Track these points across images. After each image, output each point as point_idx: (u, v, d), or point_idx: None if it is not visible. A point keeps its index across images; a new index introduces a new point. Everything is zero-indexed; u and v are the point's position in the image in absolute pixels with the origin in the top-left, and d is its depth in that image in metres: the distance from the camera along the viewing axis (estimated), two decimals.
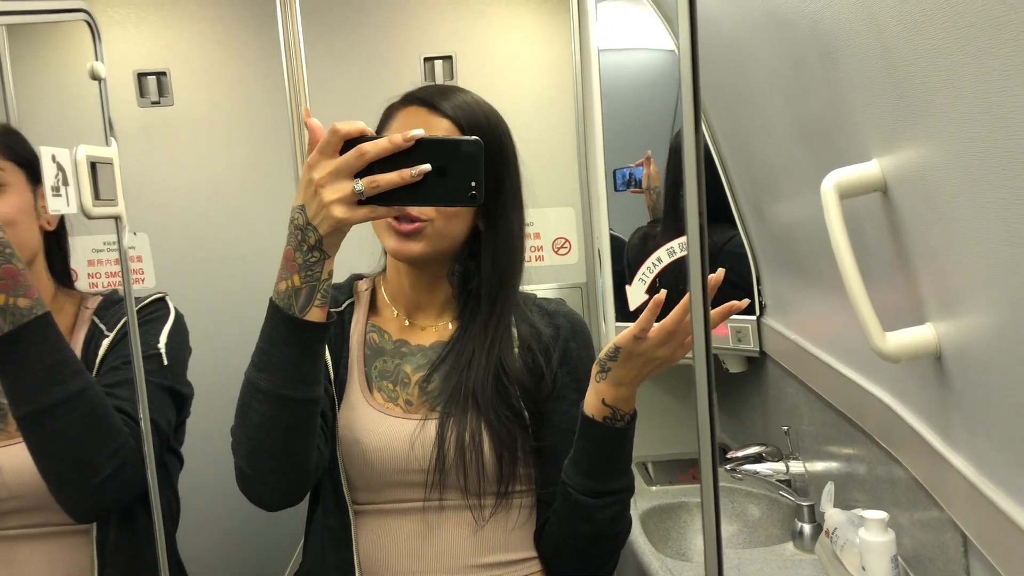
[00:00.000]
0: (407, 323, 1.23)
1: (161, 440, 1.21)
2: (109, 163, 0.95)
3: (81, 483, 1.09)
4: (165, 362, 1.23)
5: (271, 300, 0.98)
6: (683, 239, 2.01)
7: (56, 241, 1.31)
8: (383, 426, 1.14)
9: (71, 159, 0.87)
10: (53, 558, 1.20)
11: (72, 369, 1.08)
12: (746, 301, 1.09)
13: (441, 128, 1.11)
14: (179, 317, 1.33)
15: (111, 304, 1.31)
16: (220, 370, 2.34)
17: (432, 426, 1.12)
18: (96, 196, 0.91)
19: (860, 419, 1.41)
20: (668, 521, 1.90)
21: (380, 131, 1.18)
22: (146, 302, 1.30)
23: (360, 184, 0.90)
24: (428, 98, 1.14)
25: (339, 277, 1.29)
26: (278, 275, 0.98)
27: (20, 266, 1.03)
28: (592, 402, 1.08)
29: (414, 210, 1.09)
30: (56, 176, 0.86)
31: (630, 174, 2.15)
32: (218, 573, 2.41)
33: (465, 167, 0.92)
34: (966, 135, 0.79)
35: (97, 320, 1.28)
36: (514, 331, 1.20)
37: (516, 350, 1.18)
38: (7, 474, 1.15)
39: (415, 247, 1.11)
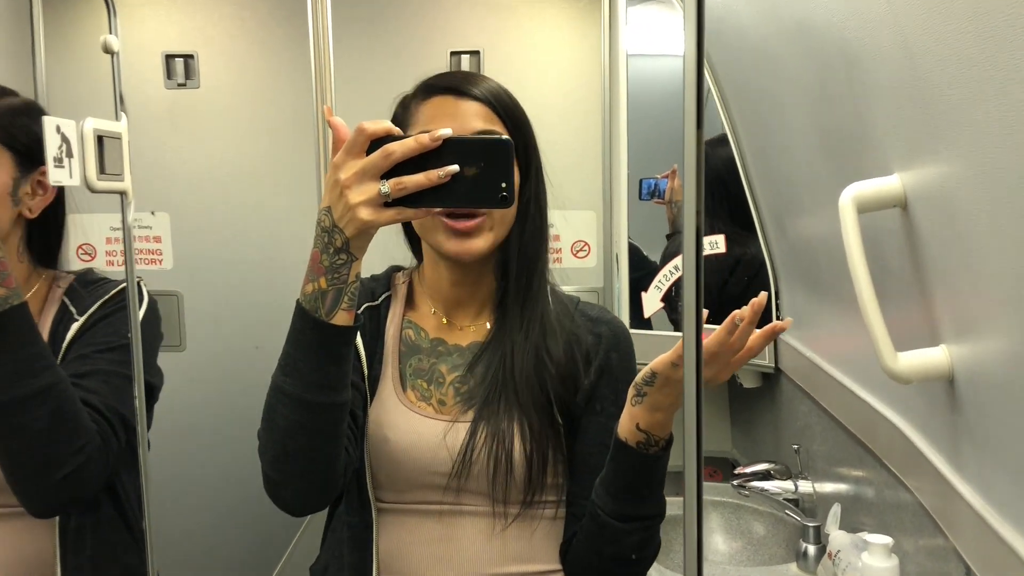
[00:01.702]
0: (445, 321, 1.19)
1: (128, 431, 1.18)
2: (117, 138, 0.94)
3: (40, 479, 1.07)
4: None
5: (297, 302, 0.96)
6: (712, 238, 1.98)
7: (41, 224, 1.27)
8: (414, 425, 1.11)
9: (77, 131, 0.87)
10: (15, 539, 1.19)
11: (44, 364, 1.06)
12: (789, 321, 1.06)
13: (473, 112, 1.08)
14: (152, 304, 1.29)
15: (84, 284, 1.28)
16: (231, 355, 2.35)
17: (463, 428, 1.10)
18: (101, 170, 0.90)
19: (871, 441, 1.38)
20: (671, 532, 1.87)
21: (401, 127, 1.15)
22: (118, 288, 1.26)
23: (386, 186, 0.88)
24: (454, 85, 1.10)
25: (377, 267, 1.27)
26: (305, 277, 0.95)
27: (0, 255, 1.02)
28: (626, 426, 1.03)
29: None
30: (60, 148, 0.85)
31: (655, 185, 2.13)
32: (213, 561, 2.41)
33: (495, 167, 0.89)
34: (989, 153, 0.76)
35: (68, 301, 1.25)
36: (557, 331, 1.16)
37: (555, 354, 1.14)
38: None
39: (477, 244, 1.07)
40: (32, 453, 1.06)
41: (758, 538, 1.84)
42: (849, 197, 0.96)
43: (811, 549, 1.57)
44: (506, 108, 1.10)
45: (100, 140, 0.90)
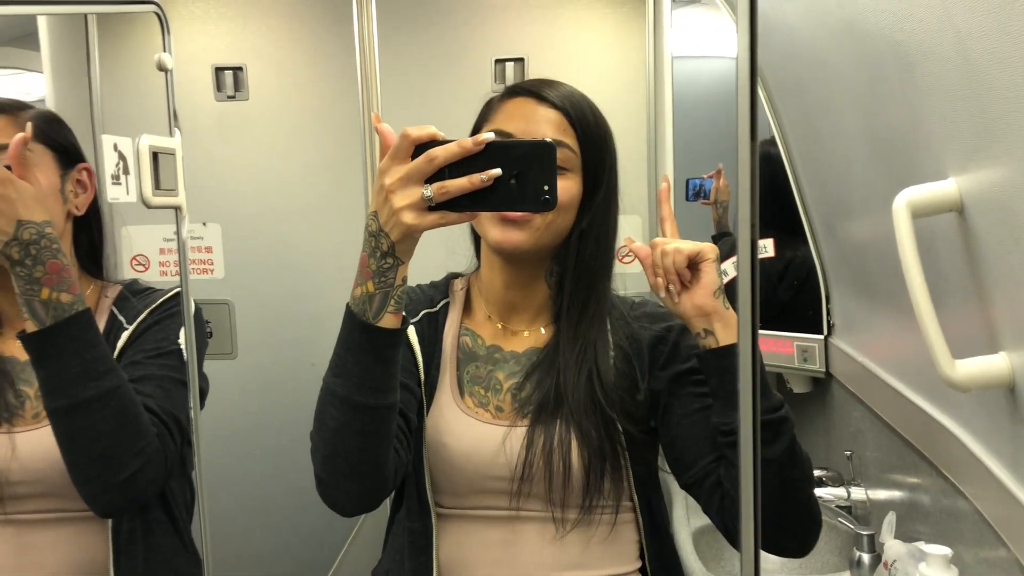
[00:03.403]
0: (501, 327, 1.20)
1: (182, 434, 1.21)
2: (172, 154, 0.96)
3: (106, 479, 1.10)
4: (184, 357, 1.23)
5: (347, 306, 0.97)
6: (761, 242, 1.95)
7: (85, 227, 1.30)
8: (472, 431, 1.12)
9: (133, 148, 0.89)
10: (68, 544, 1.22)
11: (107, 367, 1.09)
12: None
13: (546, 118, 1.09)
14: (197, 311, 1.31)
15: (132, 295, 1.31)
16: (281, 362, 2.38)
17: (521, 433, 1.10)
18: (157, 186, 0.93)
19: (926, 448, 1.35)
20: (722, 541, 1.85)
21: (480, 124, 1.16)
22: (167, 296, 1.29)
23: (429, 190, 0.89)
24: (535, 89, 1.12)
25: (432, 275, 1.29)
26: (354, 281, 0.97)
27: (65, 262, 1.05)
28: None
29: None
30: (117, 164, 0.87)
31: (700, 185, 2.11)
32: (263, 568, 2.45)
33: (538, 171, 0.89)
34: None
35: (116, 311, 1.28)
36: (610, 338, 1.16)
37: (612, 358, 1.14)
38: (24, 458, 1.17)
39: (519, 236, 1.08)
40: (97, 454, 1.09)
41: None
42: (903, 202, 0.94)
43: (865, 558, 1.54)
44: (582, 120, 1.11)
45: (155, 156, 0.92)
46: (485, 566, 1.12)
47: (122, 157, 0.89)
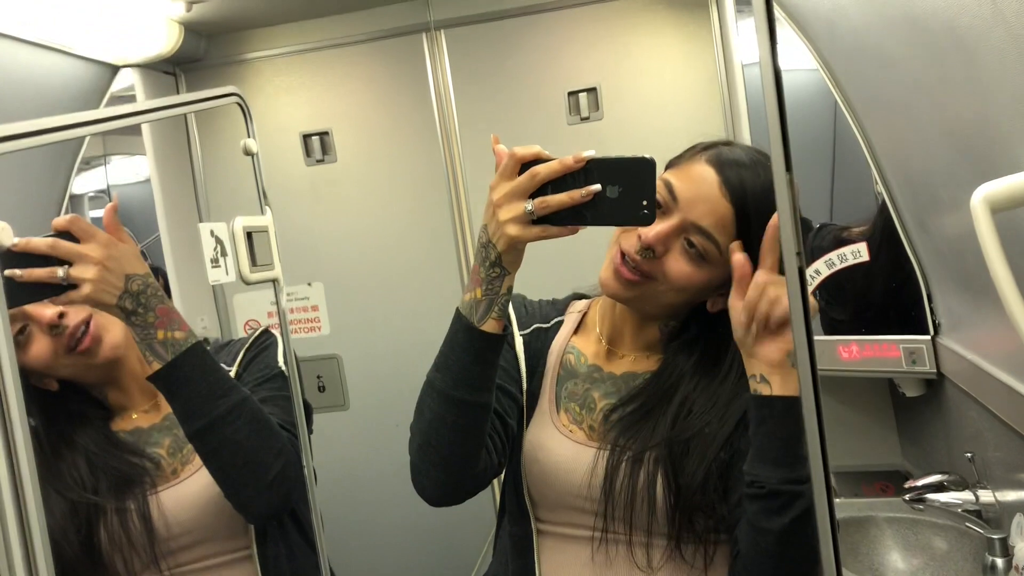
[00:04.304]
0: (606, 347, 1.23)
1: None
2: (265, 231, 1.03)
3: (256, 483, 1.19)
4: (286, 375, 1.34)
5: (457, 308, 1.06)
6: (851, 248, 1.92)
7: None
8: (563, 448, 1.16)
9: (229, 231, 0.96)
10: None
11: (231, 384, 1.19)
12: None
13: (714, 208, 1.05)
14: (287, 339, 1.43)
15: (219, 350, 1.42)
16: (389, 410, 2.45)
17: (608, 456, 1.12)
18: (253, 263, 1.00)
19: None
20: (856, 535, 1.81)
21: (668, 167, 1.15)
22: (256, 335, 1.43)
23: (531, 204, 0.95)
24: (724, 161, 1.07)
25: (560, 292, 1.35)
26: (466, 287, 1.05)
27: (170, 305, 1.16)
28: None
29: (645, 264, 1.07)
30: (215, 248, 0.95)
31: None
32: None
33: (637, 186, 0.93)
34: None
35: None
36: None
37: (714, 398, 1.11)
38: (171, 513, 1.27)
39: (619, 289, 1.11)
40: (242, 462, 1.19)
41: (941, 553, 1.75)
42: (980, 198, 0.92)
43: (999, 562, 1.48)
44: (750, 217, 1.05)
45: (249, 236, 0.99)
46: None
47: (219, 241, 0.97)
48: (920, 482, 1.69)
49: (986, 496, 1.63)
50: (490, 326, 1.03)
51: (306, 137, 2.44)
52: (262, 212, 1.04)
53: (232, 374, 1.36)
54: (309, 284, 2.45)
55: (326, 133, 2.43)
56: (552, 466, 1.15)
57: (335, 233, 2.45)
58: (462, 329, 1.04)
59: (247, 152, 1.03)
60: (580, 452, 1.14)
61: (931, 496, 1.68)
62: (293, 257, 2.41)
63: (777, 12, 1.99)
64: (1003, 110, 0.97)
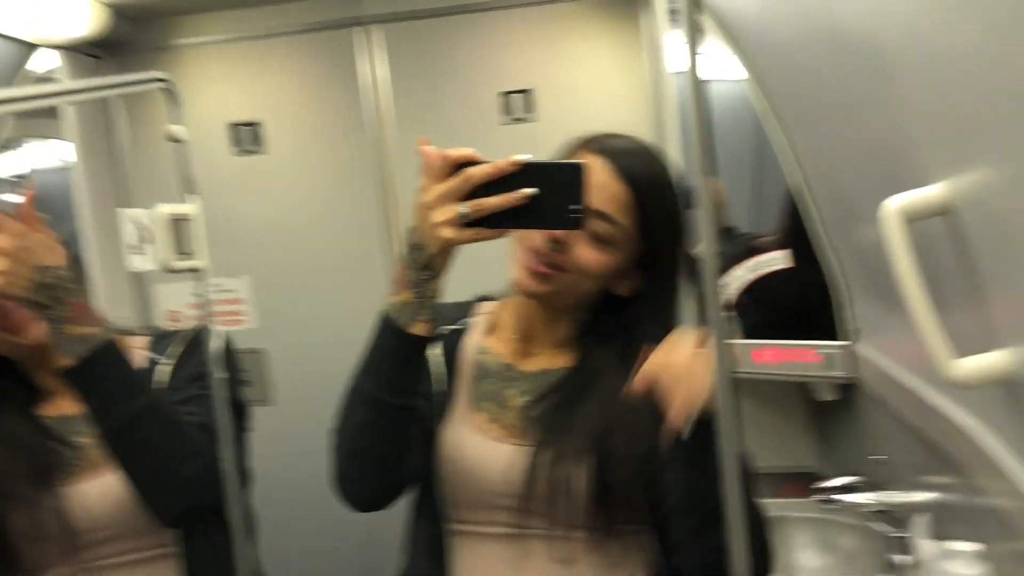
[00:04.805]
0: (518, 347, 1.24)
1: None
2: (190, 219, 1.02)
3: (169, 485, 1.18)
4: (226, 373, 1.31)
5: (382, 311, 1.05)
6: (768, 256, 1.97)
7: None
8: (480, 448, 1.16)
9: (151, 218, 0.94)
10: None
11: (143, 385, 1.18)
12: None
13: (613, 195, 1.10)
14: (228, 336, 1.39)
15: (159, 340, 1.39)
16: (317, 406, 2.42)
17: (528, 453, 1.13)
18: (177, 251, 0.98)
19: (953, 448, 1.35)
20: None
21: None
22: (193, 329, 1.39)
23: (466, 207, 0.96)
24: (609, 151, 1.13)
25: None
26: (392, 289, 1.05)
27: (87, 298, 1.13)
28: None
29: (555, 257, 1.09)
30: (136, 236, 0.93)
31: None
32: None
33: (567, 191, 0.96)
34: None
35: (148, 354, 1.36)
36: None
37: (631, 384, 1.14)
38: (94, 506, 1.23)
39: (533, 286, 1.12)
40: (155, 465, 1.17)
41: (848, 552, 1.81)
42: (891, 209, 0.96)
43: (901, 560, 1.54)
44: (649, 202, 1.12)
45: (174, 223, 0.98)
46: None
47: (142, 228, 0.95)
48: (831, 483, 1.75)
49: (892, 497, 1.70)
50: (420, 329, 1.04)
51: (235, 127, 2.40)
52: (188, 200, 1.03)
53: (168, 368, 1.32)
54: (233, 277, 2.41)
55: (256, 124, 2.40)
56: (470, 466, 1.15)
57: (263, 226, 2.42)
58: (391, 333, 1.04)
59: (173, 139, 1.02)
60: (498, 450, 1.15)
61: (841, 497, 1.74)
62: (220, 248, 2.33)
63: (708, 23, 2.04)
64: (917, 129, 1.01)
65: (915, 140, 1.04)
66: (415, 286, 1.02)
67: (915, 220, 0.98)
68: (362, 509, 1.14)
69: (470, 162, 0.97)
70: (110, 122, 2.39)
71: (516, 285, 1.14)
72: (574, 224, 0.96)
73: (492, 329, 1.28)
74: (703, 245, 0.56)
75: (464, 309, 1.31)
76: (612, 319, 1.19)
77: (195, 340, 1.36)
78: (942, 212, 0.97)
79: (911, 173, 1.10)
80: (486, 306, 1.31)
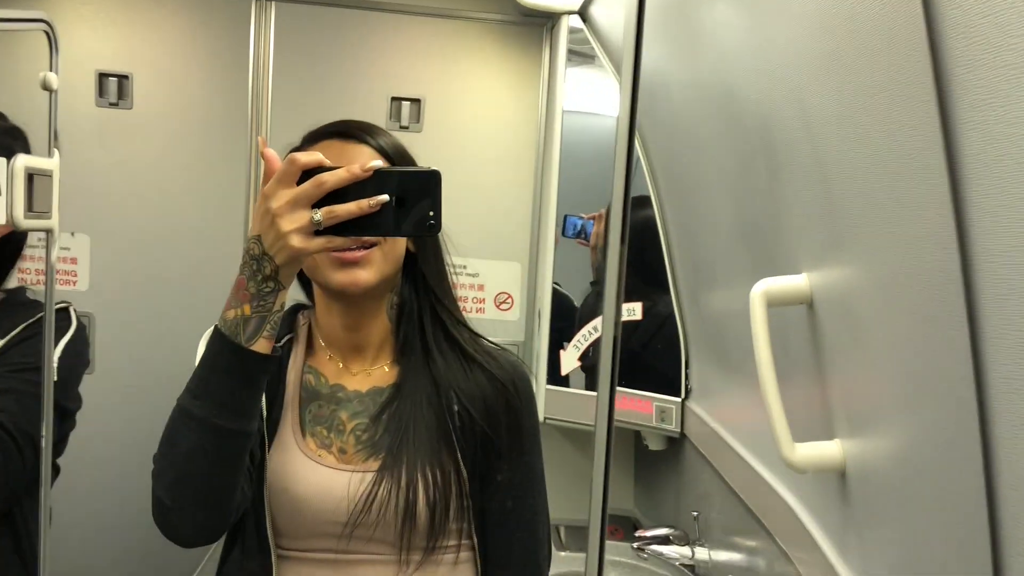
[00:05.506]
0: (342, 366, 1.19)
1: (36, 454, 1.17)
2: (48, 175, 0.93)
3: None
4: (55, 376, 1.20)
5: (216, 328, 0.97)
6: (630, 305, 2.03)
7: None
8: (314, 475, 1.11)
9: (8, 169, 0.86)
10: None
11: None
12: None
13: (367, 154, 1.13)
14: (80, 329, 1.30)
15: (12, 305, 1.27)
16: (140, 379, 2.29)
17: (366, 478, 1.10)
18: (30, 208, 0.90)
19: (764, 515, 1.43)
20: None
21: None
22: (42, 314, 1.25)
23: (318, 214, 0.91)
24: (342, 130, 1.16)
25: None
26: (227, 303, 0.97)
27: None
28: None
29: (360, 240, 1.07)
30: None
31: (581, 225, 2.16)
32: None
33: (423, 197, 0.94)
34: (885, 262, 0.82)
35: None
36: (458, 376, 1.17)
37: (458, 401, 1.15)
38: None
39: (363, 275, 1.09)
40: None
41: None
42: (759, 292, 1.02)
43: None
44: (401, 158, 1.16)
45: (31, 178, 0.89)
46: None
47: None
48: (648, 533, 1.82)
49: (701, 553, 1.79)
50: (261, 346, 0.96)
51: (102, 76, 2.24)
52: (50, 154, 0.95)
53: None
54: (72, 234, 2.24)
55: (126, 76, 2.25)
56: (303, 495, 1.10)
57: (115, 184, 2.26)
58: (228, 350, 0.95)
59: (46, 87, 0.94)
60: (333, 477, 1.11)
61: (655, 548, 1.82)
62: (63, 202, 2.18)
63: (605, 64, 2.10)
64: (793, 219, 1.07)
65: (788, 231, 1.10)
66: (256, 299, 0.95)
67: (778, 305, 1.04)
68: (188, 545, 1.04)
69: (319, 168, 0.92)
70: None
71: (345, 286, 1.09)
72: (430, 230, 0.94)
73: (311, 345, 1.22)
74: (606, 306, 0.57)
75: (284, 324, 1.21)
76: (415, 294, 1.19)
77: (36, 324, 1.24)
78: (803, 301, 1.04)
79: (778, 259, 1.16)
80: (302, 319, 1.25)
